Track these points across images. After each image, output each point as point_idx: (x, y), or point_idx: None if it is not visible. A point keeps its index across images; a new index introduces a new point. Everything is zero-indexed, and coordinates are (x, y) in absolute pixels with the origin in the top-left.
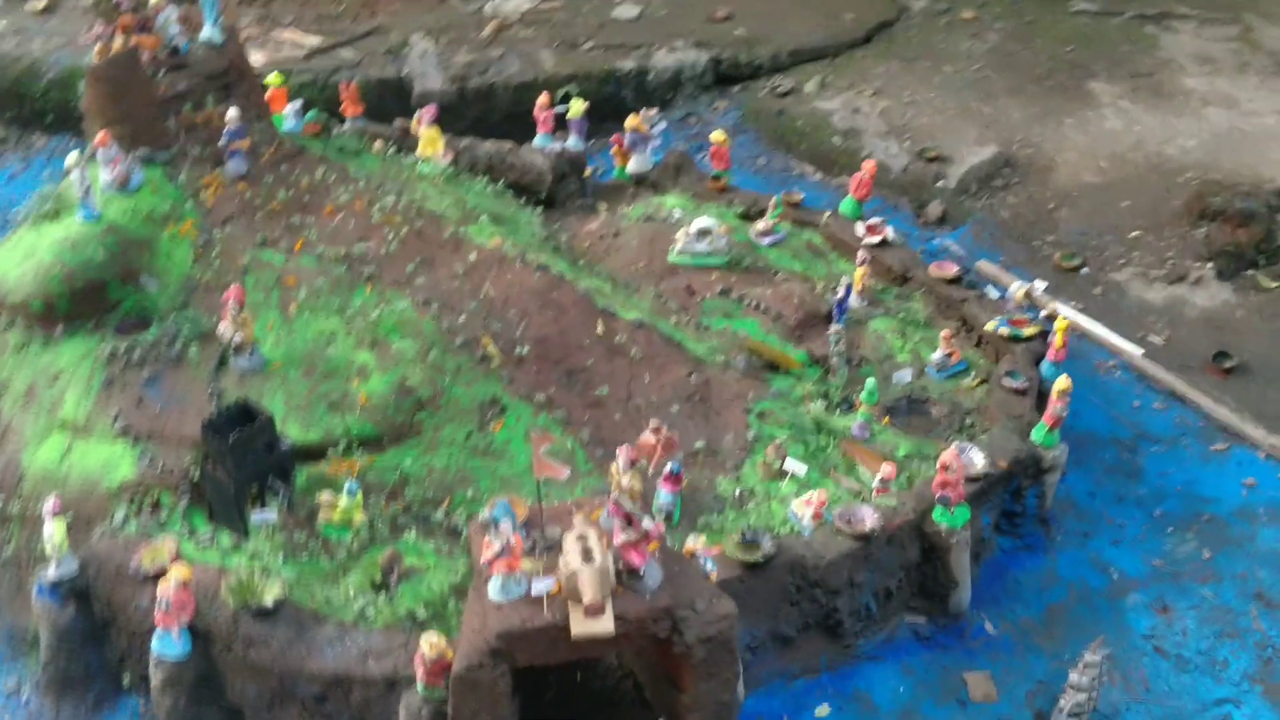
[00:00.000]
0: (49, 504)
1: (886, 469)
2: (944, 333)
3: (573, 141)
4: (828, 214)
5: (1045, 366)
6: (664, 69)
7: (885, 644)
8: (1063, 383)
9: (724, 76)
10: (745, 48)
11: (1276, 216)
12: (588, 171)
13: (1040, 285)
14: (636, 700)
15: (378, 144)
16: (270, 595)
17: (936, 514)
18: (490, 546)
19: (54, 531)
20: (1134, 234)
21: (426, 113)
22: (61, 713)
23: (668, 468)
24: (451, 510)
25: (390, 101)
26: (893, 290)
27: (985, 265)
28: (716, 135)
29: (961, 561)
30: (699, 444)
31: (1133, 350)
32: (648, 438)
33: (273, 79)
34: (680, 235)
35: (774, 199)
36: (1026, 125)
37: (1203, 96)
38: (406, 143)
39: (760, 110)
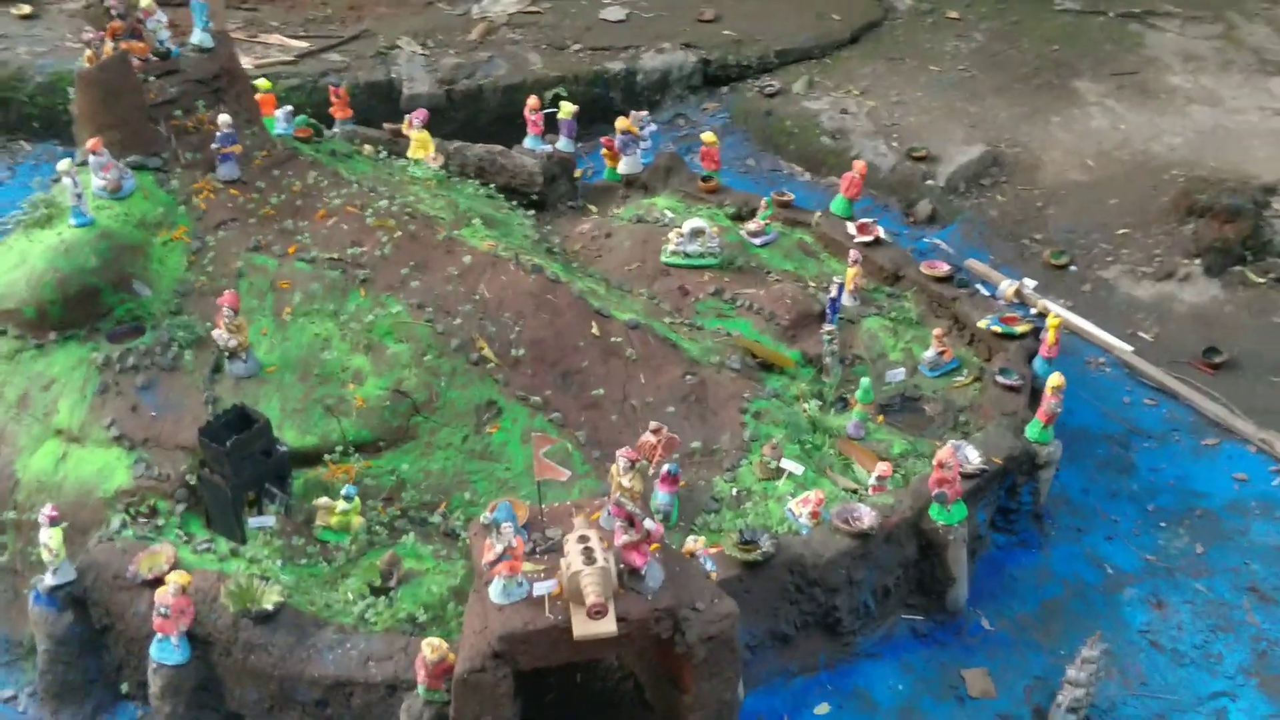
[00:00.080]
0: (45, 511)
1: (882, 467)
2: (936, 331)
3: (563, 143)
4: (819, 214)
5: (1038, 363)
6: (652, 70)
7: (883, 641)
8: (1056, 379)
9: (712, 77)
10: (733, 48)
11: (1263, 212)
12: (578, 173)
13: (1029, 283)
14: (636, 701)
15: (368, 148)
16: (270, 600)
17: (933, 511)
18: (492, 549)
19: (51, 538)
20: (1122, 231)
21: (417, 116)
22: None
23: (665, 468)
24: (449, 513)
25: (379, 105)
26: (884, 289)
27: (974, 264)
28: (707, 136)
29: (958, 558)
30: (695, 444)
31: (1123, 347)
32: (648, 438)
33: (261, 84)
34: (672, 236)
35: (764, 199)
36: (1013, 124)
37: (1187, 94)
38: (397, 146)
39: (748, 111)
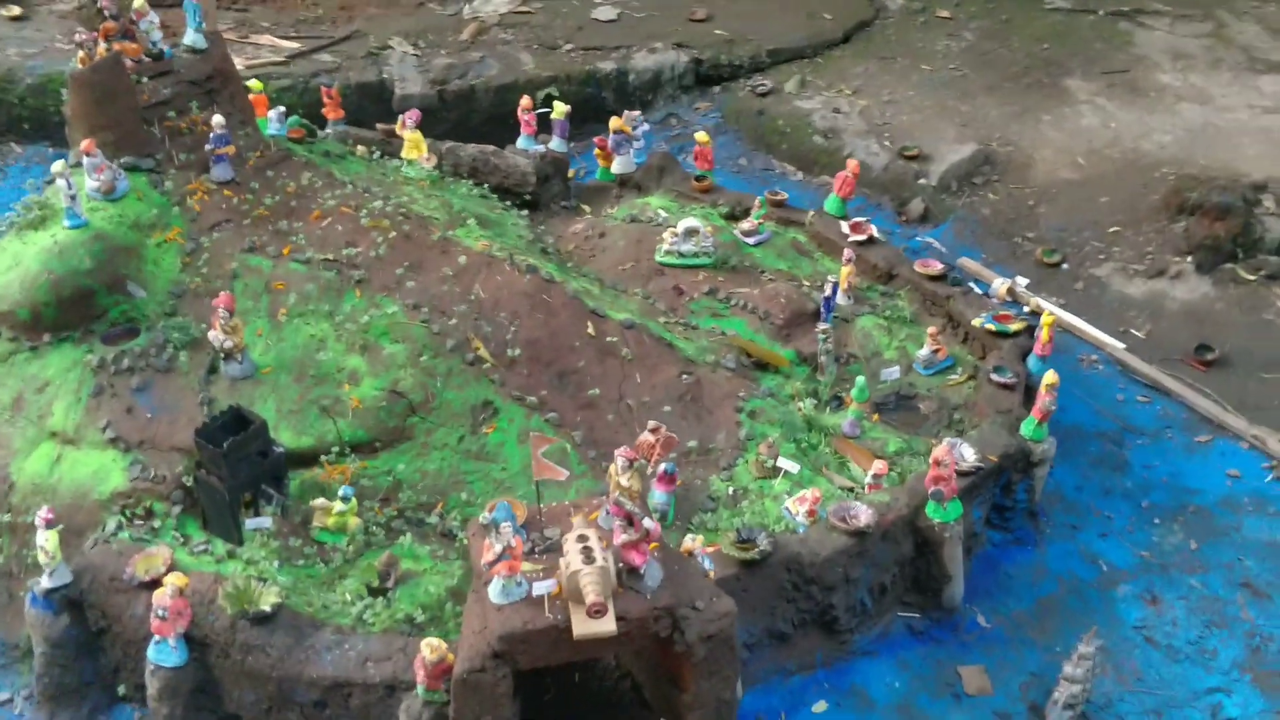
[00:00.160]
0: (41, 514)
1: (878, 465)
2: (931, 329)
3: (556, 143)
4: (812, 213)
5: (1032, 361)
6: (644, 70)
7: (880, 639)
8: (1050, 377)
9: (704, 77)
10: (725, 48)
11: (1253, 210)
12: (571, 173)
13: (1022, 281)
14: (635, 700)
15: (361, 148)
16: (267, 601)
17: (929, 509)
18: (491, 549)
19: (47, 541)
20: (1113, 229)
21: (410, 116)
22: None
23: (662, 468)
24: (445, 513)
25: (370, 106)
26: (878, 288)
27: (967, 262)
28: (701, 136)
29: (955, 556)
30: (691, 443)
31: (1115, 344)
32: (646, 437)
33: (253, 85)
34: (667, 236)
35: (758, 199)
36: (1004, 123)
37: (1177, 92)
38: (390, 147)
39: (740, 110)
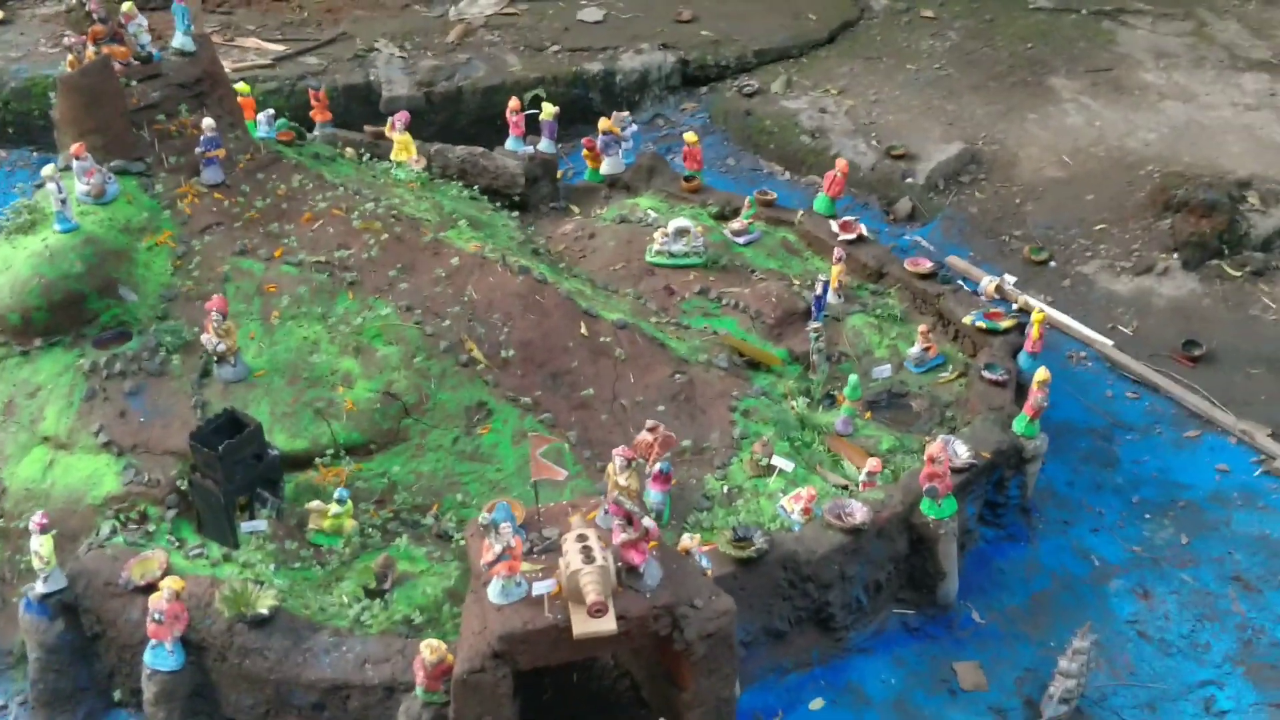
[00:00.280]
0: (35, 519)
1: (872, 463)
2: (921, 327)
3: (544, 144)
4: (801, 212)
5: (1023, 358)
6: (631, 71)
7: (875, 636)
8: (1042, 374)
9: (691, 77)
10: (711, 49)
11: (1238, 206)
12: (560, 174)
13: (1010, 279)
14: (634, 699)
15: (349, 150)
16: (264, 604)
17: (924, 506)
18: (490, 549)
19: (42, 546)
20: (1099, 227)
21: (399, 118)
22: None
23: (657, 467)
24: (441, 515)
25: (358, 108)
26: (868, 287)
27: (955, 260)
28: (689, 136)
29: (949, 552)
30: (685, 443)
31: (1103, 341)
32: (645, 436)
33: (240, 88)
34: (657, 236)
35: (747, 198)
36: (990, 122)
37: (1160, 91)
38: (378, 149)
39: (727, 111)
